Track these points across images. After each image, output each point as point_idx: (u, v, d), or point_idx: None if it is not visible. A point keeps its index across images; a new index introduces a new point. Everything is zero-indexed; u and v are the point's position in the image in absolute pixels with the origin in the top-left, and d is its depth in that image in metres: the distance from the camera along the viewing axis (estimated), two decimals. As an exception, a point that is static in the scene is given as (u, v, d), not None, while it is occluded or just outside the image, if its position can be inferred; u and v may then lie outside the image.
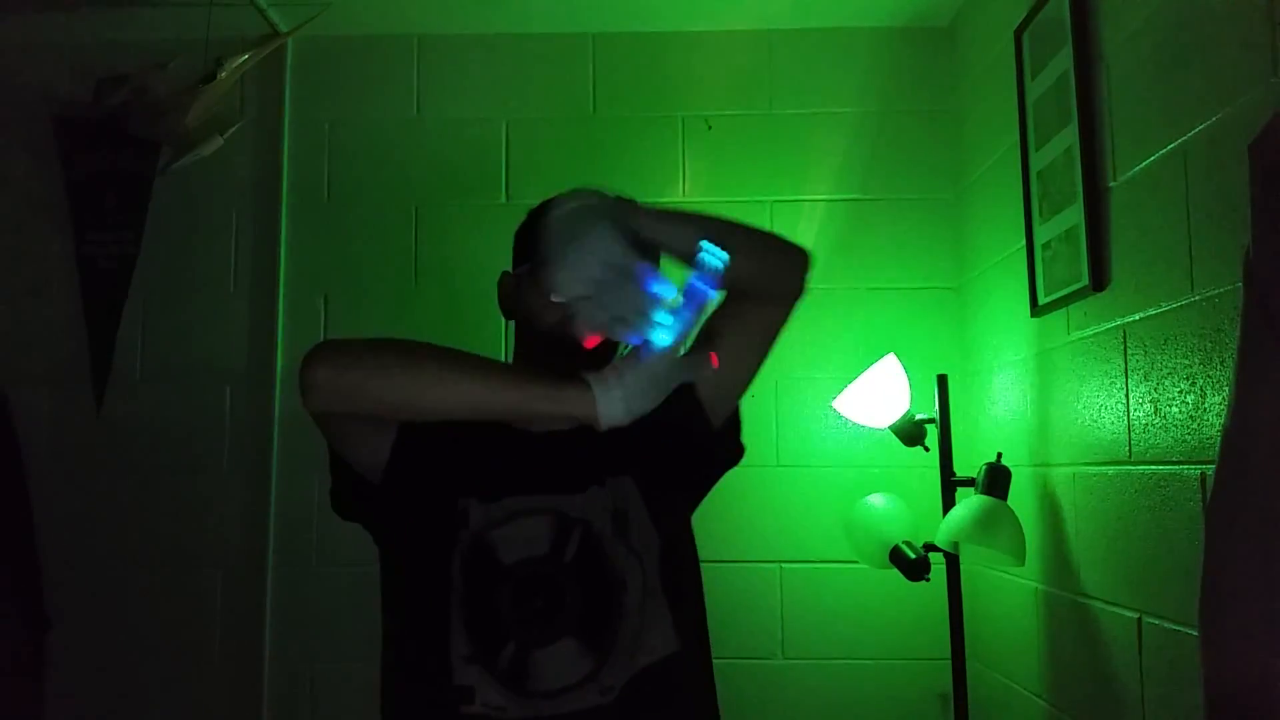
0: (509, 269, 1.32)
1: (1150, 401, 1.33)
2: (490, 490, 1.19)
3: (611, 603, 1.20)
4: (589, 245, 1.02)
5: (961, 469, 1.90)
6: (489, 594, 1.16)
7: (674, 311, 1.01)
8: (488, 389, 1.08)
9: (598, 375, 1.03)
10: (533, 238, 1.20)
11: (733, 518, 2.11)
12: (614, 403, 1.02)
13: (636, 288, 1.01)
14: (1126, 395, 1.40)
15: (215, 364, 2.23)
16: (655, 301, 1.01)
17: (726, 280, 1.07)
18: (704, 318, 1.08)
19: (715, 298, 1.03)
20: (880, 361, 1.89)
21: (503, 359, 2.20)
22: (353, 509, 1.26)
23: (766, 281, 1.24)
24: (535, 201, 1.22)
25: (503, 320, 2.23)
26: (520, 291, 1.26)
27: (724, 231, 1.13)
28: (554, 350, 1.20)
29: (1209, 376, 1.18)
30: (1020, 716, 1.84)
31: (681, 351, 1.03)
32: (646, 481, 1.26)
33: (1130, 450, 1.39)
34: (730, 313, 1.28)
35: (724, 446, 1.34)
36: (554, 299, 1.04)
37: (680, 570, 1.27)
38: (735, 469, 1.34)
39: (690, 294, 1.01)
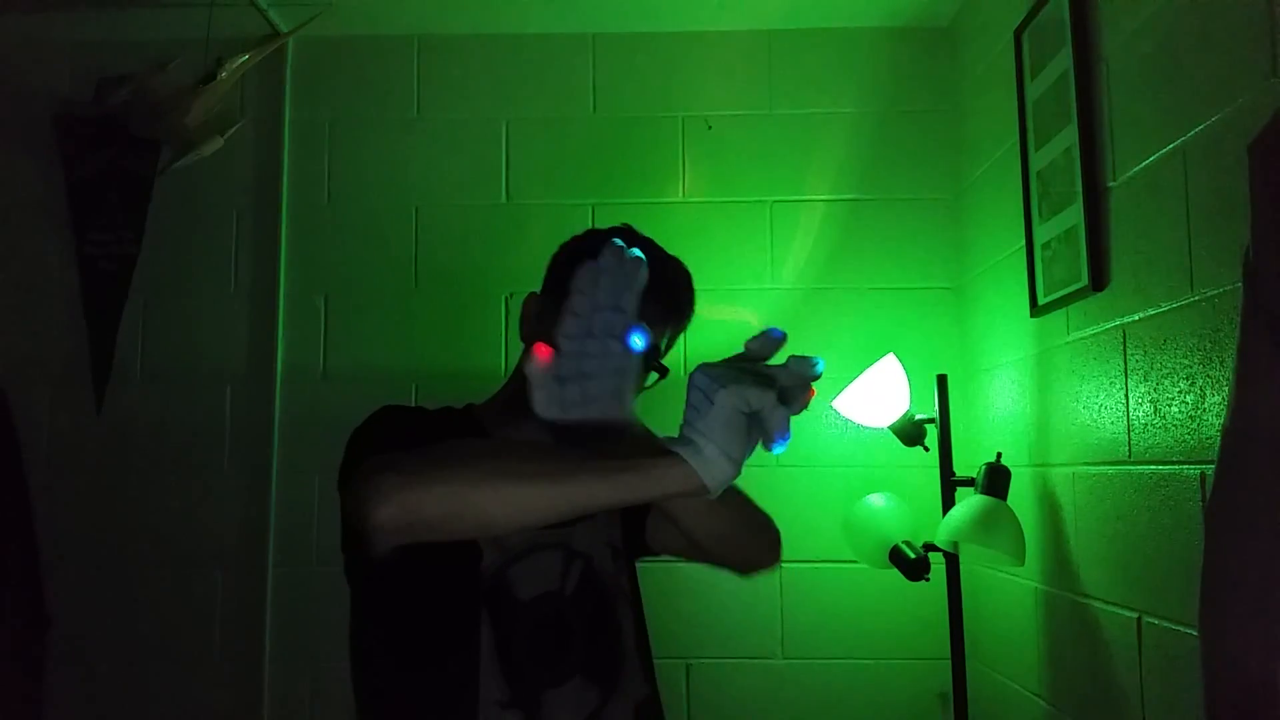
0: (536, 290, 1.24)
1: (1150, 401, 1.33)
2: None
3: (612, 640, 1.20)
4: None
5: (961, 469, 1.90)
6: (512, 633, 1.13)
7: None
8: (576, 494, 0.91)
9: (680, 443, 0.88)
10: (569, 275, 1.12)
11: (733, 518, 2.11)
12: (713, 465, 0.86)
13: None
14: (1126, 395, 1.40)
15: (215, 364, 2.23)
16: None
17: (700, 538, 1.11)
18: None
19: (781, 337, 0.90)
20: (880, 361, 1.89)
21: (502, 361, 2.21)
22: (375, 573, 1.13)
23: (731, 556, 1.22)
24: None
25: (503, 319, 2.26)
26: (546, 317, 1.17)
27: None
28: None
29: (1208, 376, 1.18)
30: (1020, 716, 1.84)
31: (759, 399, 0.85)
32: (625, 517, 1.27)
33: (1130, 450, 1.39)
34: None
35: (638, 546, 1.30)
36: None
37: (641, 611, 1.28)
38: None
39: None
